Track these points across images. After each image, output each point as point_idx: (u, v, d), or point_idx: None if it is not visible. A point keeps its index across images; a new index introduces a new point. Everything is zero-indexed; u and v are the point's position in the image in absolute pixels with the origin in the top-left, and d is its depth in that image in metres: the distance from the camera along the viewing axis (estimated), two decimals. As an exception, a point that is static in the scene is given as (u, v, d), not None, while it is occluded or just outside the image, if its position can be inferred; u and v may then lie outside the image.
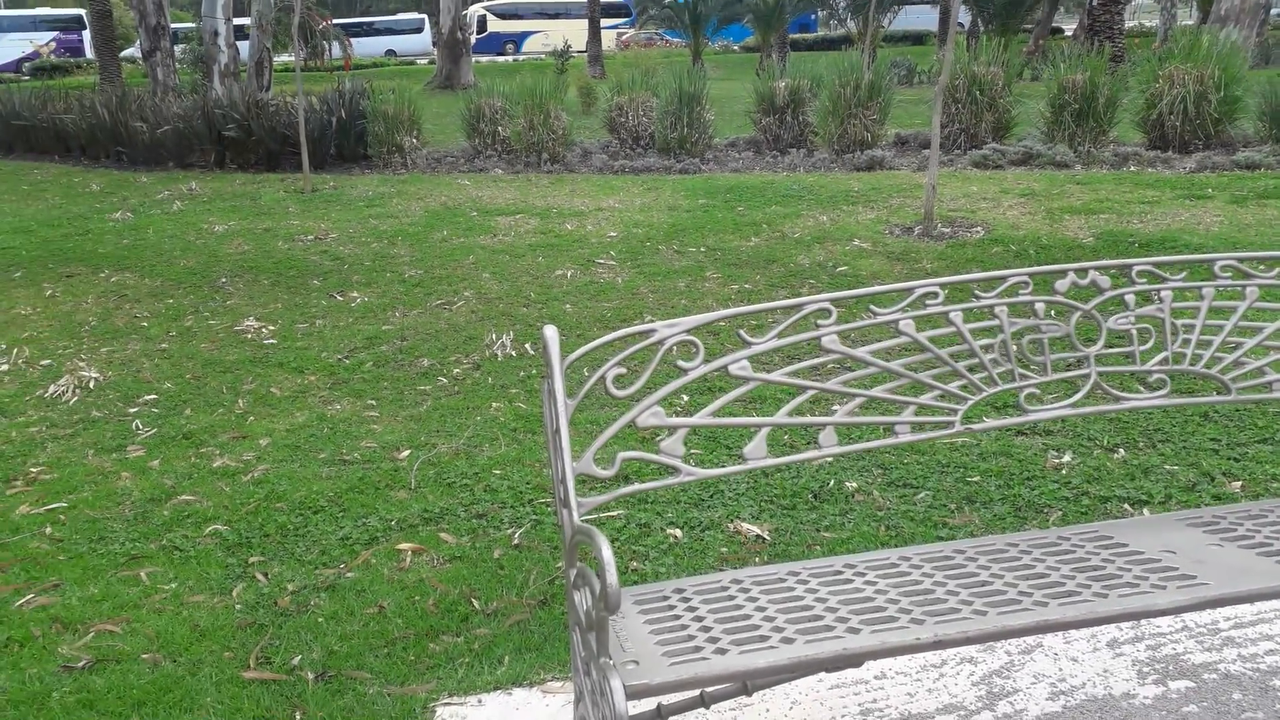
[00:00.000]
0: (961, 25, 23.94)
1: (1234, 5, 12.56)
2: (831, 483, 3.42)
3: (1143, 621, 2.59)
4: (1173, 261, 2.37)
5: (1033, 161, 9.70)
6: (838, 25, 33.73)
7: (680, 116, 11.04)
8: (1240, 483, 3.32)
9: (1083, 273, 2.31)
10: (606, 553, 1.53)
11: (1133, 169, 9.28)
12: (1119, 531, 2.14)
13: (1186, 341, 2.36)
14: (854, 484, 3.41)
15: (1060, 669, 2.43)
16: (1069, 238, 6.76)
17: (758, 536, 3.08)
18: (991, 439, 3.70)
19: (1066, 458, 3.55)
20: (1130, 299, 2.33)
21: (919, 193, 8.28)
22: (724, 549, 3.03)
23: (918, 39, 35.10)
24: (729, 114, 14.06)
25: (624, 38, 37.47)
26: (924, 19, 35.60)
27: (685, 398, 4.10)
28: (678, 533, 3.13)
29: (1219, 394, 2.40)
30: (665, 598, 1.95)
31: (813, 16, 38.87)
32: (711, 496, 3.35)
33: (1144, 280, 2.35)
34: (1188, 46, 9.99)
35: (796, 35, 34.12)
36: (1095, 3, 18.91)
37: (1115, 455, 3.56)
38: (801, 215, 7.94)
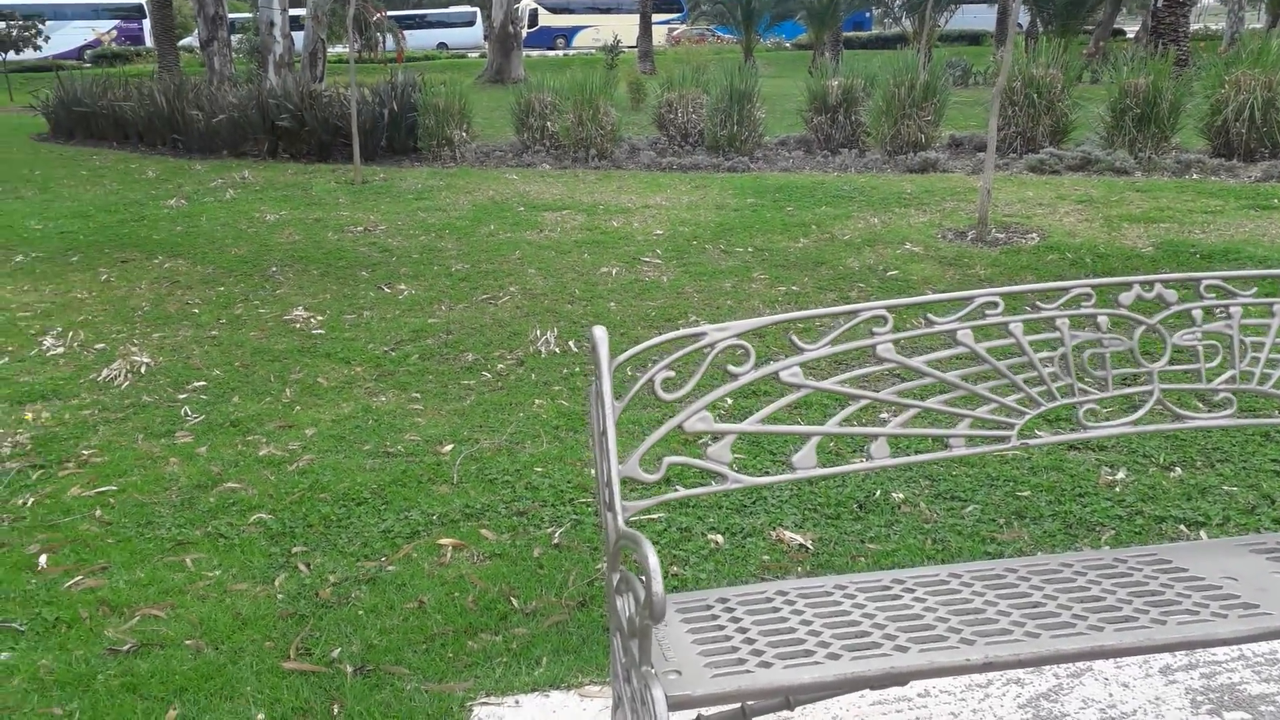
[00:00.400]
0: (1020, 25, 23.53)
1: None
2: (878, 493, 3.36)
3: (1198, 649, 2.51)
4: (1242, 276, 2.29)
5: (1091, 167, 9.50)
6: (893, 24, 33.35)
7: (730, 114, 10.96)
8: (1304, 506, 3.22)
9: (1148, 285, 2.24)
10: (653, 561, 1.50)
11: (1195, 177, 9.04)
12: (1177, 555, 2.07)
13: (1255, 360, 2.28)
14: (900, 495, 3.35)
15: (1110, 694, 2.36)
16: (1127, 247, 6.61)
17: (801, 546, 3.04)
18: (1043, 453, 3.62)
19: (1121, 475, 3.46)
20: (1197, 314, 2.25)
21: (973, 196, 8.14)
22: (766, 557, 2.98)
23: (974, 39, 34.59)
24: (780, 112, 13.95)
25: (675, 33, 37.42)
26: (981, 18, 35.09)
27: (729, 401, 4.06)
28: (719, 538, 3.09)
29: (1286, 415, 2.31)
30: (708, 607, 1.92)
31: (867, 14, 38.49)
32: (754, 503, 3.31)
33: (1212, 295, 2.27)
34: (1256, 51, 9.71)
35: (850, 33, 33.76)
36: (1159, 4, 18.46)
37: (1172, 474, 3.46)
38: (852, 217, 7.84)
